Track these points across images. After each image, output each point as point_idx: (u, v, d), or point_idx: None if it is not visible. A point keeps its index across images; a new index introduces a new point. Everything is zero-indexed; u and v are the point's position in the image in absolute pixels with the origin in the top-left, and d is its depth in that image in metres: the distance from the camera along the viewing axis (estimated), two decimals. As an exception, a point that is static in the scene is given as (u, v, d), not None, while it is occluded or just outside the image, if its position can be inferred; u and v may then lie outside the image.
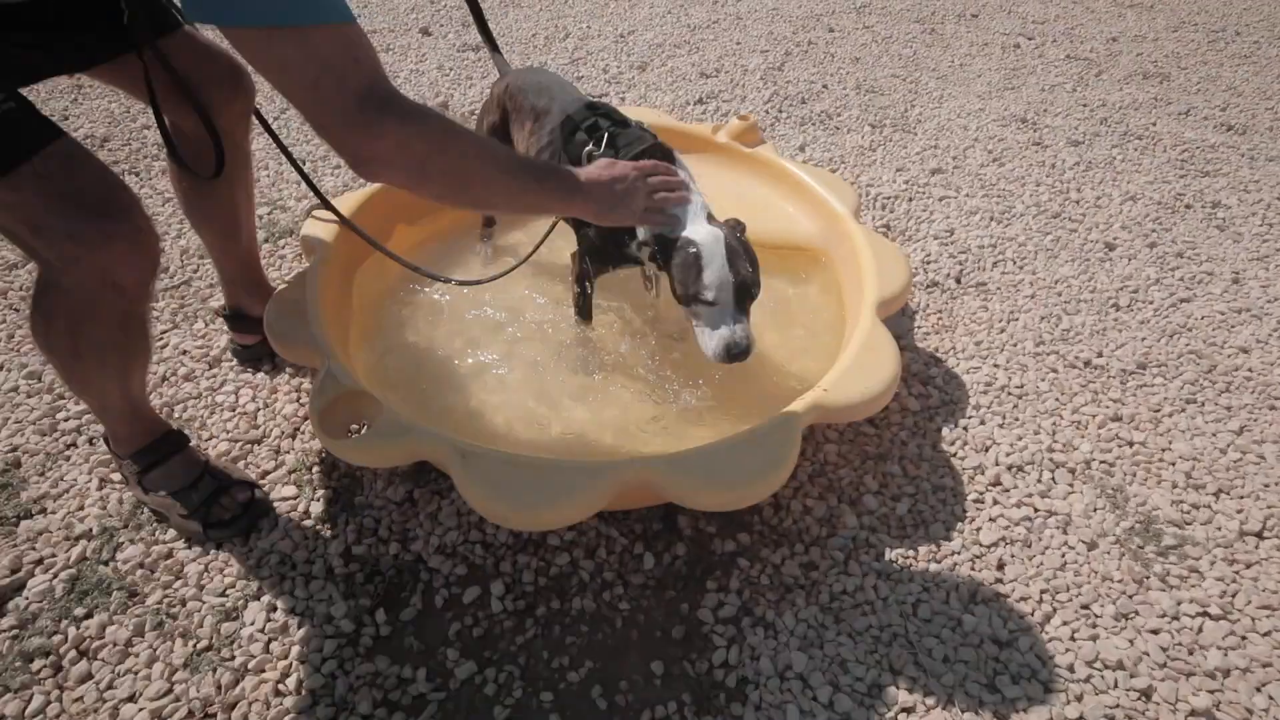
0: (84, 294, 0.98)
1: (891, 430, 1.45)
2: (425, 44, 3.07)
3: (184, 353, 1.58)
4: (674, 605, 1.16)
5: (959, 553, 1.23)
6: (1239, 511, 1.32)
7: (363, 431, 1.12)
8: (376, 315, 1.53)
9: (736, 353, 1.11)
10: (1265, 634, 1.13)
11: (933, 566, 1.21)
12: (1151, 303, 1.82)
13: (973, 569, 1.21)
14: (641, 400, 1.40)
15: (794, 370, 1.47)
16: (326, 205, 1.23)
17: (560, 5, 3.51)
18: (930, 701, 1.04)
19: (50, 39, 0.99)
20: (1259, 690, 1.06)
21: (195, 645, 1.09)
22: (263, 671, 1.06)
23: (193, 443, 1.30)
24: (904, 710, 1.04)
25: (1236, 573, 1.22)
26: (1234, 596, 1.18)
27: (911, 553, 1.23)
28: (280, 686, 1.05)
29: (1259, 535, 1.28)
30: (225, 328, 1.58)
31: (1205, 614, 1.16)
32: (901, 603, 1.16)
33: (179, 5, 0.90)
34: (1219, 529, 1.29)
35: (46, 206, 0.91)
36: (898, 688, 1.06)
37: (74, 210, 0.92)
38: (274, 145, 1.18)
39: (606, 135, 1.20)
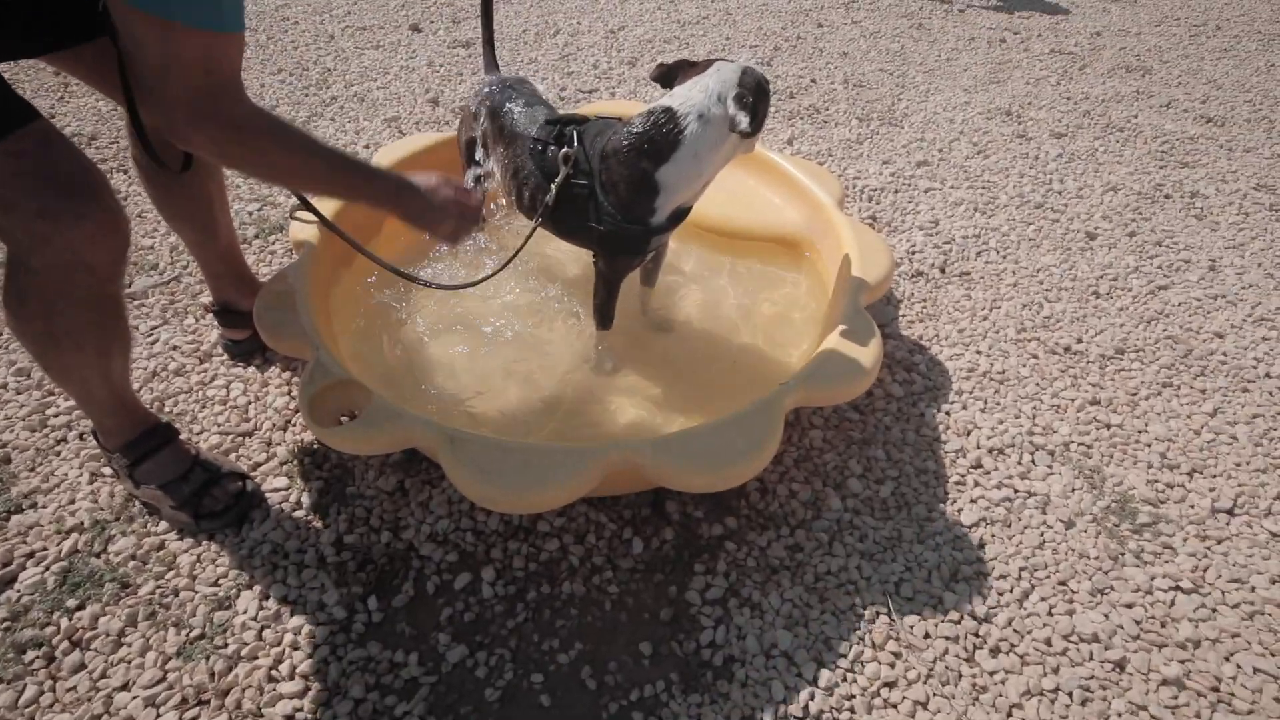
0: (55, 274, 0.98)
1: (876, 416, 1.47)
2: (415, 40, 3.07)
3: (174, 348, 1.58)
4: (662, 588, 1.18)
5: (941, 533, 1.26)
6: (1211, 490, 1.35)
7: (351, 420, 1.13)
8: (364, 308, 1.54)
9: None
10: (1234, 606, 1.16)
11: (915, 547, 1.24)
12: (1130, 290, 1.85)
13: (954, 549, 1.24)
14: (627, 389, 1.42)
15: (778, 356, 1.49)
16: (306, 205, 1.22)
17: (551, 1, 3.52)
18: (911, 675, 1.07)
19: (19, 19, 0.98)
20: (1227, 659, 1.10)
21: (188, 634, 1.10)
22: (256, 658, 1.07)
23: (183, 436, 1.30)
24: (886, 684, 1.06)
25: (1208, 548, 1.25)
26: (1205, 571, 1.21)
27: (894, 534, 1.26)
28: (274, 672, 1.06)
29: (1230, 512, 1.31)
30: (215, 323, 1.58)
31: (1177, 588, 1.19)
32: (884, 582, 1.19)
33: None
34: (1192, 507, 1.32)
35: (18, 184, 0.91)
36: (879, 663, 1.08)
37: (45, 188, 0.92)
38: None
39: (575, 135, 1.29)
